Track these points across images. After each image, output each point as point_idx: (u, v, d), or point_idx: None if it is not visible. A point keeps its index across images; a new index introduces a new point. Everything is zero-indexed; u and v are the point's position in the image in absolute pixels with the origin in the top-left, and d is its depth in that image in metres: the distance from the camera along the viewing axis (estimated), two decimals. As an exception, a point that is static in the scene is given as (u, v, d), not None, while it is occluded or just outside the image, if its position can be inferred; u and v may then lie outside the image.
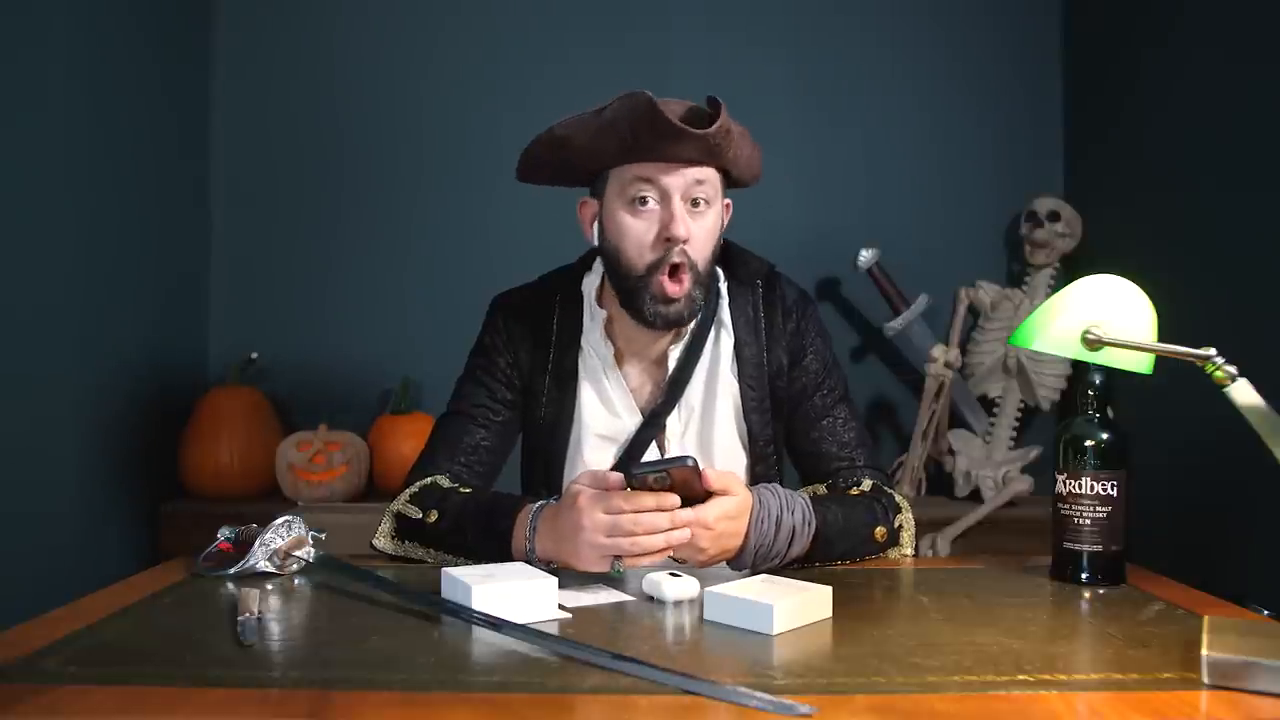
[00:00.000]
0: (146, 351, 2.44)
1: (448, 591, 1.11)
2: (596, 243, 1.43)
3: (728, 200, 1.45)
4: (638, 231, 1.35)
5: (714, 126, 1.28)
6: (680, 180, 1.33)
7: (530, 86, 2.70)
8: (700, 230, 1.36)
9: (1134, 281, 1.15)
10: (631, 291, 1.38)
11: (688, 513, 1.16)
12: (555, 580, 1.09)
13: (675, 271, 1.35)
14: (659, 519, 1.14)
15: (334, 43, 2.76)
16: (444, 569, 1.14)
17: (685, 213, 1.34)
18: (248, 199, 2.75)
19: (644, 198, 1.34)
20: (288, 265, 2.75)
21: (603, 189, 1.39)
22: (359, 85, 2.75)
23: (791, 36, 2.77)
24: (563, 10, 2.76)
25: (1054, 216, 2.58)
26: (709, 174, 1.36)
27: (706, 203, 1.36)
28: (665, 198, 1.34)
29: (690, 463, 1.13)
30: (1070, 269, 2.59)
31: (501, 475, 1.52)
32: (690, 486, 1.16)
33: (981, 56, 2.78)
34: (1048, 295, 2.46)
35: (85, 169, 2.17)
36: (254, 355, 2.62)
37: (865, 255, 2.60)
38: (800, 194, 2.77)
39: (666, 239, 1.33)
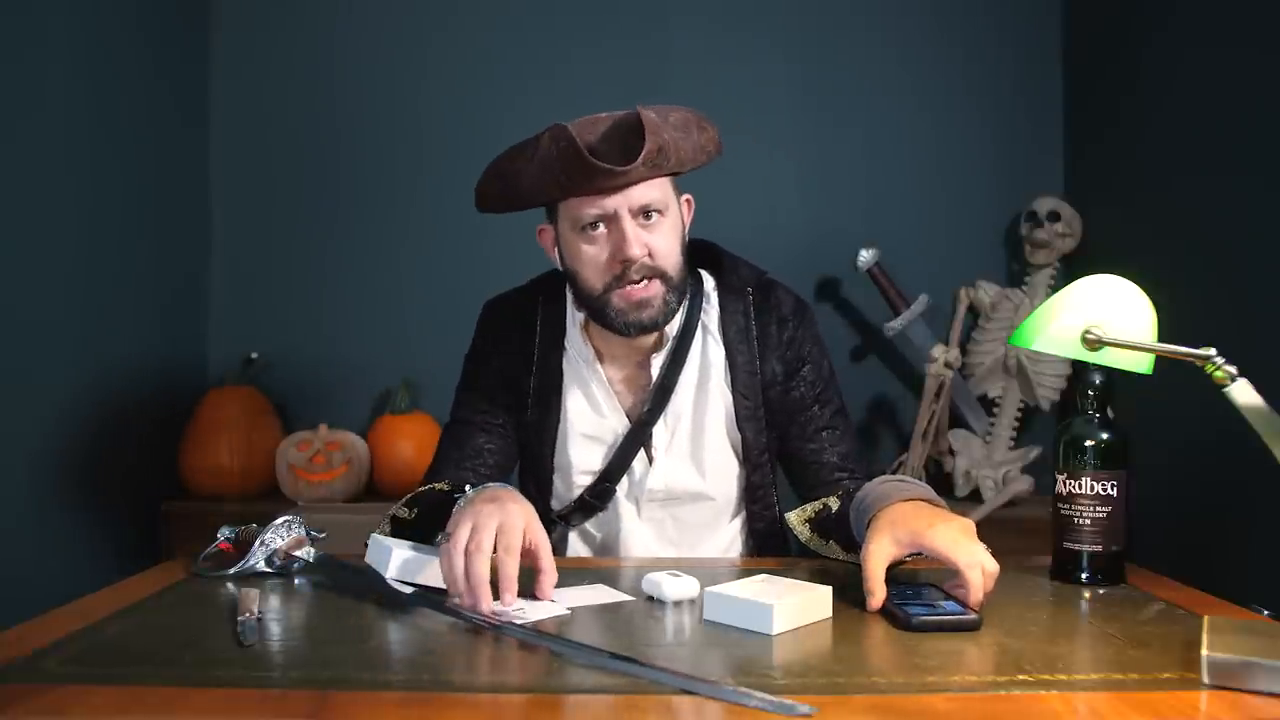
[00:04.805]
0: (146, 351, 2.44)
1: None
2: (560, 266, 1.44)
3: (687, 196, 1.45)
4: (591, 256, 1.36)
5: (639, 159, 1.27)
6: (624, 200, 1.33)
7: (529, 86, 2.70)
8: (659, 239, 1.36)
9: (1134, 281, 1.14)
10: (597, 310, 1.39)
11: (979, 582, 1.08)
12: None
13: (639, 282, 1.35)
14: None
15: (333, 43, 2.76)
16: None
17: (636, 229, 1.33)
18: (248, 199, 2.75)
19: (593, 223, 1.35)
20: (288, 265, 2.75)
21: (555, 217, 1.41)
22: (358, 85, 2.75)
23: (792, 36, 2.77)
24: (562, 10, 2.76)
25: (1054, 216, 2.58)
26: (655, 184, 1.35)
27: (659, 212, 1.36)
28: (614, 220, 1.34)
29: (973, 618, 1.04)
30: (1070, 269, 2.59)
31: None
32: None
33: (981, 56, 2.77)
34: (1048, 295, 2.46)
35: (85, 169, 2.17)
36: (254, 355, 2.62)
37: (865, 255, 2.60)
38: (800, 194, 2.77)
39: (621, 260, 1.34)
